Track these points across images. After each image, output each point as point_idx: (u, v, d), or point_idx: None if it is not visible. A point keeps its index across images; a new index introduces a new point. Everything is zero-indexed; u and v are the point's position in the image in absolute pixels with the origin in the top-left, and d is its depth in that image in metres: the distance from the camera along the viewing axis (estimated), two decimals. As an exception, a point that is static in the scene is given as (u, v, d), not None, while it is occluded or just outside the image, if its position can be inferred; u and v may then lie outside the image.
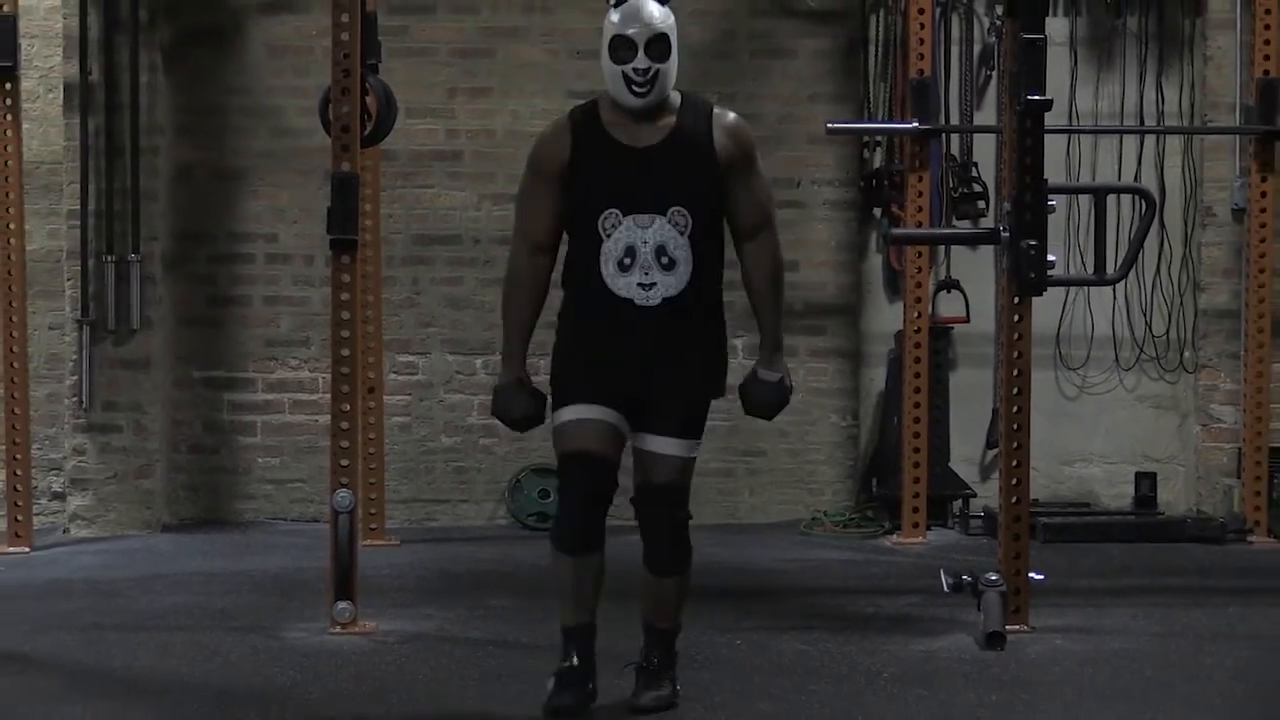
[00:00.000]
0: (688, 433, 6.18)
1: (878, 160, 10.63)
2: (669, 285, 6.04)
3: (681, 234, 6.04)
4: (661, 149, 6.10)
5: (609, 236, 6.04)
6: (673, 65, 6.10)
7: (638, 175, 6.07)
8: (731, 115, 6.24)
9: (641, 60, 6.03)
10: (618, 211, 6.05)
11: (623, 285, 6.05)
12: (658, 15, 6.10)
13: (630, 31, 6.05)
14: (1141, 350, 10.70)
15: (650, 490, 6.14)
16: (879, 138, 10.59)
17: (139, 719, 6.68)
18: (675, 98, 6.19)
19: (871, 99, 10.63)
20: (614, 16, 6.12)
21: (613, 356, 6.11)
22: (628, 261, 6.04)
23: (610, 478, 6.13)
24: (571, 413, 6.12)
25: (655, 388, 6.14)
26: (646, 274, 6.03)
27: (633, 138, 6.11)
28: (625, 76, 6.04)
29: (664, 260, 6.04)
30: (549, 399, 6.24)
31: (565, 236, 6.22)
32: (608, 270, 6.05)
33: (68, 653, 7.62)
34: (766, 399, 6.31)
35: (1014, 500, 7.82)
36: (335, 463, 7.83)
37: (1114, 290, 10.29)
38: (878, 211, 10.60)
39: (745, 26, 10.47)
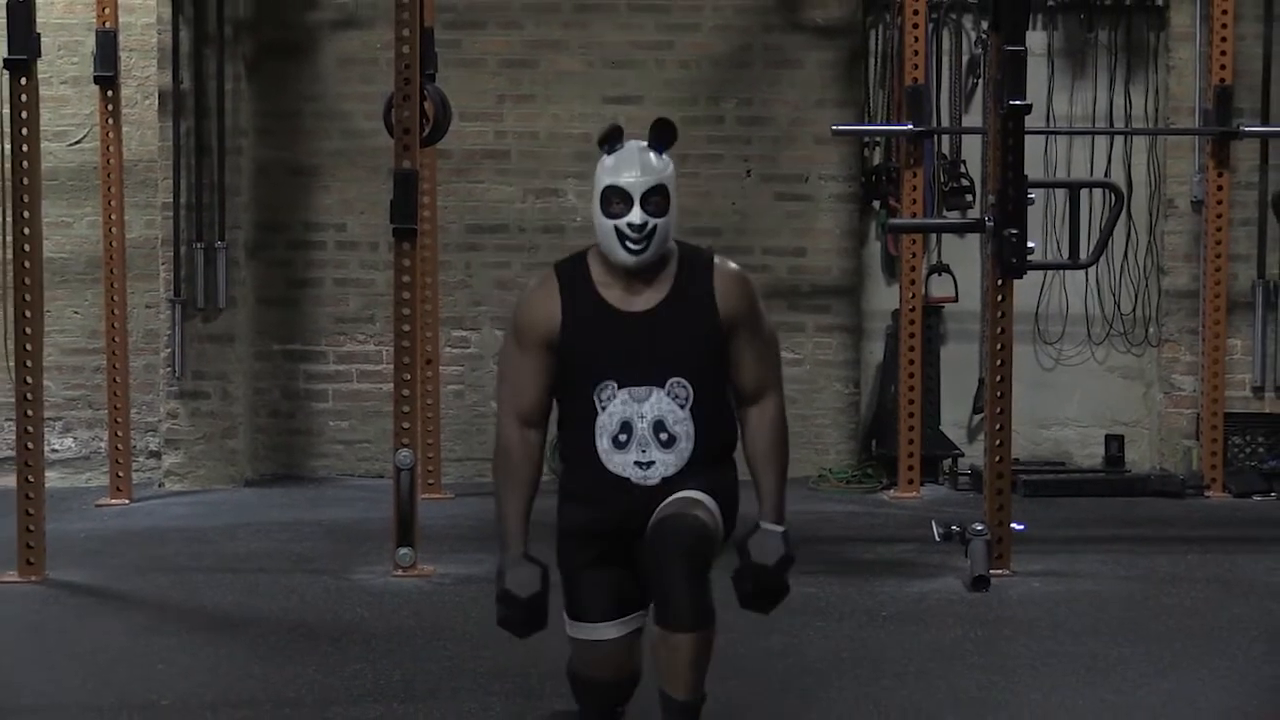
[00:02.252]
0: (707, 490, 4.94)
1: (877, 158, 10.61)
2: (669, 464, 4.89)
3: (682, 407, 4.89)
4: (659, 314, 4.92)
5: (604, 410, 4.90)
6: (672, 219, 4.92)
7: (634, 344, 4.90)
8: (733, 267, 5.02)
9: (637, 215, 4.86)
10: (613, 384, 4.89)
11: (619, 463, 4.89)
12: (656, 164, 4.93)
13: (625, 182, 4.89)
14: (1111, 327, 10.69)
15: (663, 526, 4.83)
16: (878, 138, 10.57)
17: (226, 649, 6.71)
18: (672, 251, 4.99)
19: (871, 104, 10.61)
20: (607, 162, 4.95)
21: (615, 546, 4.95)
22: (623, 438, 4.89)
23: (630, 689, 5.09)
24: (584, 631, 4.98)
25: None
26: (644, 452, 4.89)
27: (627, 300, 4.94)
28: (619, 232, 4.86)
29: (663, 437, 4.89)
30: (548, 580, 4.98)
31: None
32: (602, 446, 4.91)
33: (163, 592, 7.67)
34: (768, 556, 4.93)
35: (997, 459, 7.82)
36: (397, 425, 7.86)
37: (1086, 273, 10.27)
38: (877, 204, 10.59)
39: (760, 40, 10.45)
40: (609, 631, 4.98)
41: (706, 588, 4.76)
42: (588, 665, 5.03)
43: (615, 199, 4.89)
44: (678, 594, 4.72)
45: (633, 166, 4.93)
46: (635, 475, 4.91)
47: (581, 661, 5.04)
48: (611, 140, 4.95)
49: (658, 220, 4.88)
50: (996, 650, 6.67)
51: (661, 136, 4.95)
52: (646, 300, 4.94)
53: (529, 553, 4.93)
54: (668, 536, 4.80)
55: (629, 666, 5.04)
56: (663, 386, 4.90)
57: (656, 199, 4.89)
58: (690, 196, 10.29)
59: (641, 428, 4.89)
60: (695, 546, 4.79)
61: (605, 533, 4.96)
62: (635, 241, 4.87)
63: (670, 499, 4.89)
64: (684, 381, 4.91)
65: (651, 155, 4.95)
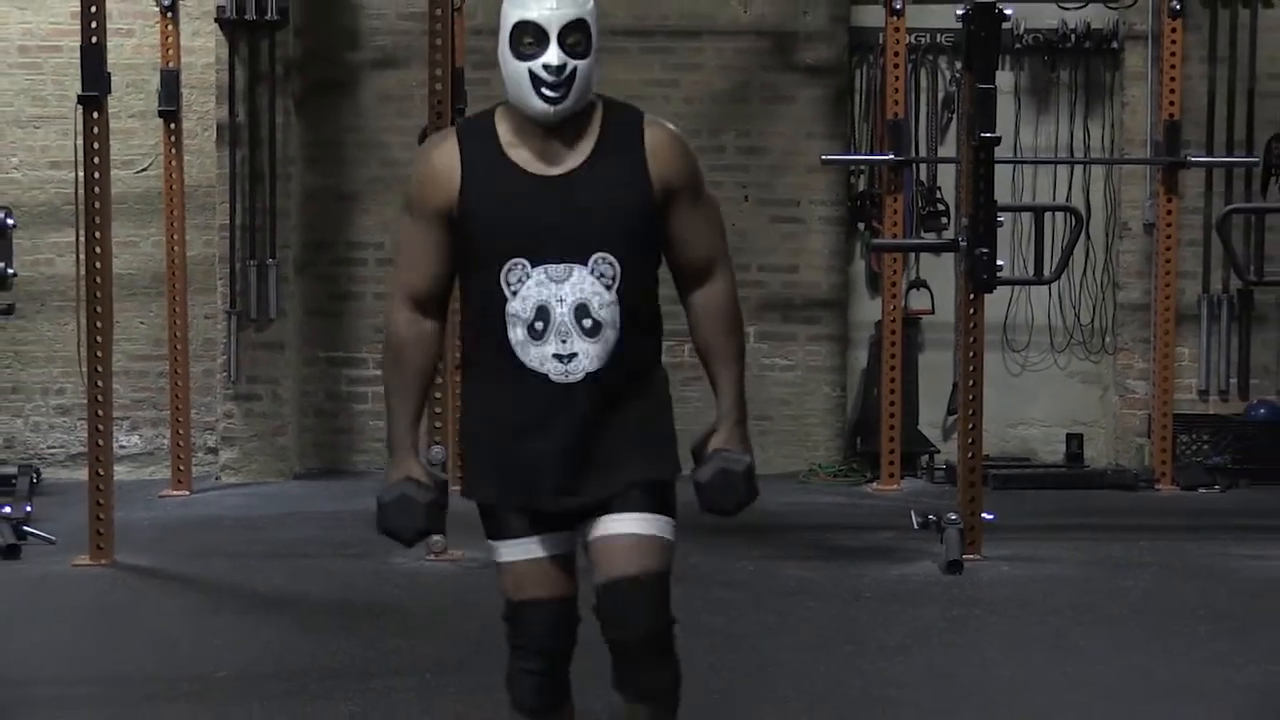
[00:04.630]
0: (651, 505, 3.78)
1: (862, 185, 10.60)
2: (593, 355, 3.73)
3: (608, 288, 3.72)
4: (579, 177, 3.75)
5: (515, 294, 3.72)
6: (594, 64, 3.79)
7: (549, 214, 3.72)
8: (668, 126, 3.90)
9: (554, 54, 3.69)
10: (525, 262, 3.71)
11: (535, 357, 3.73)
12: None
13: (539, 15, 3.71)
14: (1071, 336, 10.67)
15: (615, 589, 3.74)
16: (863, 167, 10.56)
17: (275, 626, 6.70)
18: (597, 107, 3.82)
19: (856, 136, 10.59)
20: None
21: (533, 455, 3.78)
22: (539, 326, 3.72)
23: (569, 623, 3.89)
24: (507, 551, 3.88)
25: (593, 480, 3.78)
26: (564, 342, 3.72)
27: (541, 162, 3.75)
28: (533, 76, 3.69)
29: (586, 323, 3.72)
30: (446, 490, 3.98)
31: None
32: (515, 336, 3.73)
33: (219, 574, 7.66)
34: (730, 493, 3.85)
35: (970, 455, 7.81)
36: (430, 424, 7.84)
37: (1050, 288, 10.25)
38: (861, 225, 10.57)
39: (757, 79, 10.43)
40: (536, 548, 3.86)
41: (670, 652, 3.82)
42: (518, 586, 3.87)
43: (527, 36, 3.71)
44: (638, 665, 3.79)
45: None
46: (555, 370, 3.73)
47: (510, 583, 3.89)
48: None
49: (579, 62, 3.72)
50: (969, 628, 6.66)
51: None
52: (564, 161, 3.75)
53: (413, 476, 3.88)
54: (625, 615, 3.73)
55: (566, 586, 3.88)
56: (585, 264, 3.72)
57: (577, 35, 3.73)
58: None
59: (560, 313, 3.71)
60: (656, 617, 3.76)
61: (520, 444, 3.79)
62: (552, 87, 3.70)
63: (616, 536, 3.75)
64: (610, 257, 3.73)
65: None
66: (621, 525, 3.78)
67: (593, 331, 3.74)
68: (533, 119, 3.75)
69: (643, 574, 3.75)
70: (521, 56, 3.72)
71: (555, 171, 3.76)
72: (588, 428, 3.78)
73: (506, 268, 3.74)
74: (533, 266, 3.72)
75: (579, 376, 3.75)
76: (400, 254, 3.91)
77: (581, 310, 3.73)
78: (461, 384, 3.97)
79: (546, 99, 3.70)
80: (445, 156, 3.80)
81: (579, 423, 3.77)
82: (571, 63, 3.72)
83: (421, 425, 3.87)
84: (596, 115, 3.81)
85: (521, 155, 3.77)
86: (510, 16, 3.75)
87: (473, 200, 3.76)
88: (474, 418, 3.93)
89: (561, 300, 3.73)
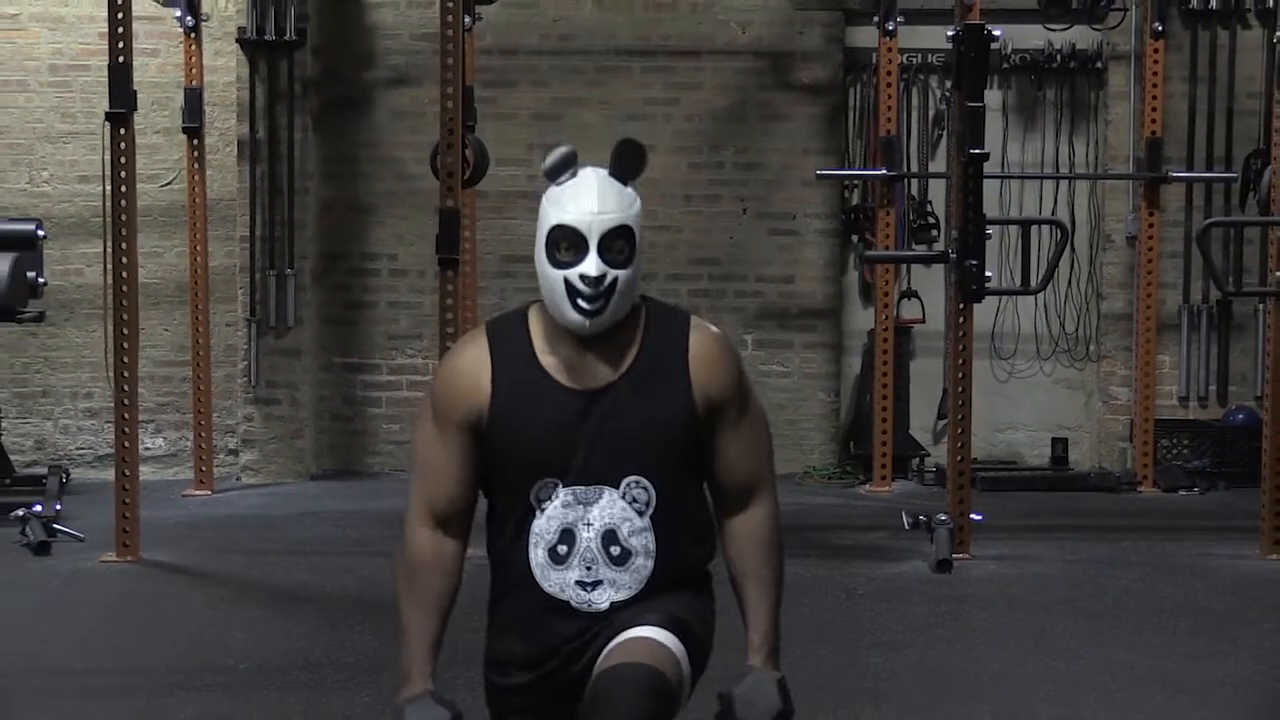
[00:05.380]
0: (670, 625, 3.27)
1: (855, 199, 10.61)
2: (620, 586, 3.25)
3: (640, 514, 3.25)
4: (616, 392, 3.26)
5: (541, 512, 3.26)
6: (637, 272, 3.26)
7: (580, 432, 3.24)
8: (713, 331, 3.34)
9: (593, 264, 3.20)
10: (556, 481, 3.25)
11: (555, 582, 3.25)
12: (619, 199, 3.26)
13: (578, 219, 3.22)
14: (1057, 344, 10.68)
15: (608, 681, 3.17)
16: (856, 181, 10.57)
17: (294, 618, 6.72)
18: (640, 313, 3.32)
19: (850, 152, 10.61)
20: (555, 194, 3.27)
21: (551, 702, 3.32)
22: (563, 550, 3.25)
23: None
24: None
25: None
26: (589, 569, 3.24)
27: (576, 374, 3.26)
28: (570, 286, 3.20)
29: (614, 550, 3.25)
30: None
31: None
32: (536, 559, 3.27)
33: (240, 570, 7.68)
34: (762, 698, 3.34)
35: (959, 458, 7.83)
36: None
37: (1036, 298, 10.26)
38: (855, 238, 10.59)
39: (755, 98, 10.45)
40: None
41: None
42: None
43: (564, 243, 3.23)
44: None
45: (589, 200, 3.25)
46: (576, 598, 3.26)
47: None
48: (562, 168, 3.30)
49: (619, 272, 3.22)
50: (959, 623, 6.67)
51: (627, 162, 3.31)
52: (600, 374, 3.27)
53: (436, 690, 3.28)
54: (614, 699, 3.15)
55: None
56: (616, 487, 3.26)
57: (619, 244, 3.23)
58: (693, 231, 10.31)
59: (586, 538, 3.25)
60: (648, 712, 3.16)
61: (538, 679, 3.32)
62: (590, 300, 3.21)
63: (619, 640, 3.25)
64: (644, 481, 3.26)
65: (614, 187, 3.28)
66: (633, 632, 3.26)
67: (620, 560, 3.26)
68: (567, 330, 3.27)
69: (642, 667, 3.18)
70: (558, 264, 3.23)
71: (590, 386, 3.27)
72: (593, 653, 3.27)
73: (536, 486, 3.27)
74: (562, 487, 3.26)
75: (603, 606, 3.26)
76: (419, 465, 3.38)
77: (609, 537, 3.26)
78: (488, 606, 3.45)
79: (583, 311, 3.22)
80: (474, 361, 3.31)
81: (585, 651, 3.28)
82: (612, 273, 3.22)
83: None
84: (639, 321, 3.32)
85: (555, 365, 3.29)
86: (548, 218, 3.26)
87: (503, 412, 3.27)
88: (495, 638, 3.41)
89: (589, 524, 3.26)
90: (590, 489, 3.26)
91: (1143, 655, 6.17)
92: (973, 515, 7.82)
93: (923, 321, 10.48)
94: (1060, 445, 10.42)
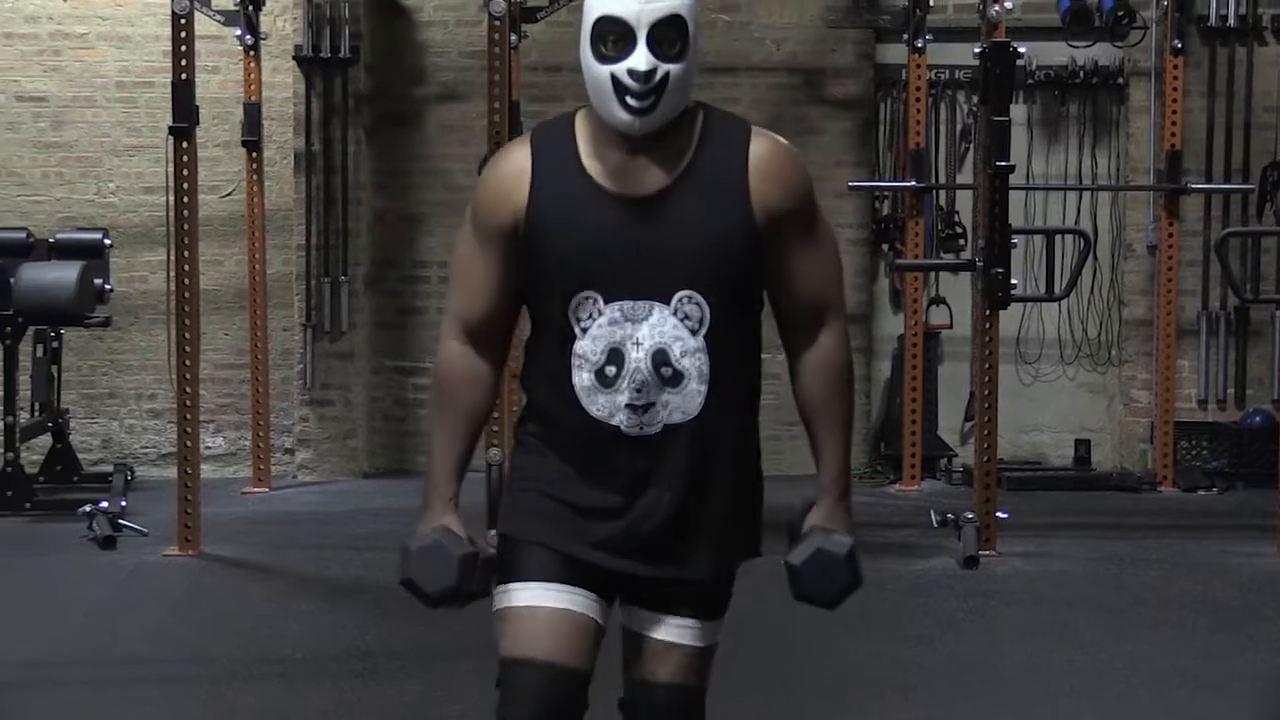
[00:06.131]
0: (708, 613, 3.08)
1: (886, 209, 10.58)
2: (674, 409, 2.92)
3: (694, 332, 2.91)
4: (668, 199, 2.91)
5: (584, 332, 2.92)
6: (693, 67, 2.92)
7: (628, 241, 2.90)
8: (780, 141, 3.03)
9: (643, 57, 2.84)
10: (597, 296, 2.90)
11: (604, 406, 2.92)
12: None
13: (623, 10, 2.84)
14: (1080, 349, 10.63)
15: (650, 696, 3.03)
16: (886, 193, 10.54)
17: (348, 610, 6.74)
18: (697, 117, 2.98)
19: (881, 164, 10.58)
20: None
21: (590, 510, 2.97)
22: (611, 371, 2.91)
23: (578, 701, 2.97)
24: (524, 594, 2.98)
25: (657, 554, 2.99)
26: (640, 392, 2.90)
27: (624, 179, 2.92)
28: (616, 82, 2.86)
29: (665, 372, 2.91)
30: (489, 559, 3.07)
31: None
32: (582, 381, 2.93)
33: (296, 564, 7.70)
34: (828, 582, 3.11)
35: (986, 459, 7.80)
36: (488, 428, 7.87)
37: (1060, 305, 10.21)
38: (885, 247, 10.56)
39: (789, 112, 10.43)
40: (560, 597, 2.96)
41: None
42: (524, 639, 2.97)
43: (611, 35, 2.85)
44: None
45: None
46: (628, 423, 2.91)
47: (516, 635, 2.98)
48: None
49: (671, 66, 2.85)
50: (985, 618, 6.65)
51: None
52: (651, 180, 2.91)
53: (449, 527, 3.06)
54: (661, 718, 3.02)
55: (583, 654, 2.96)
56: (667, 302, 2.90)
57: (671, 35, 2.85)
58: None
59: (636, 358, 2.90)
60: None
61: (577, 498, 2.98)
62: (639, 96, 2.84)
63: (664, 640, 3.00)
64: (697, 297, 2.91)
65: None
66: (672, 634, 3.02)
67: (673, 381, 2.91)
68: (616, 132, 2.92)
69: (681, 686, 3.02)
70: (604, 59, 2.87)
71: (639, 193, 2.91)
72: (660, 489, 2.95)
73: (576, 301, 2.91)
74: (606, 303, 2.90)
75: (656, 429, 2.93)
76: (456, 276, 3.08)
77: (660, 356, 2.90)
78: (517, 435, 3.13)
79: (631, 109, 2.86)
80: (514, 164, 2.99)
81: (650, 481, 2.95)
82: (663, 67, 2.85)
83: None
84: (695, 126, 2.97)
85: (603, 170, 2.93)
86: (593, 9, 2.88)
87: (540, 217, 2.93)
88: (528, 467, 3.04)
89: (638, 344, 2.90)
90: (639, 304, 2.90)
91: (1163, 650, 6.15)
92: (999, 514, 7.80)
93: (950, 327, 10.45)
94: (1083, 446, 10.37)
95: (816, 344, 3.05)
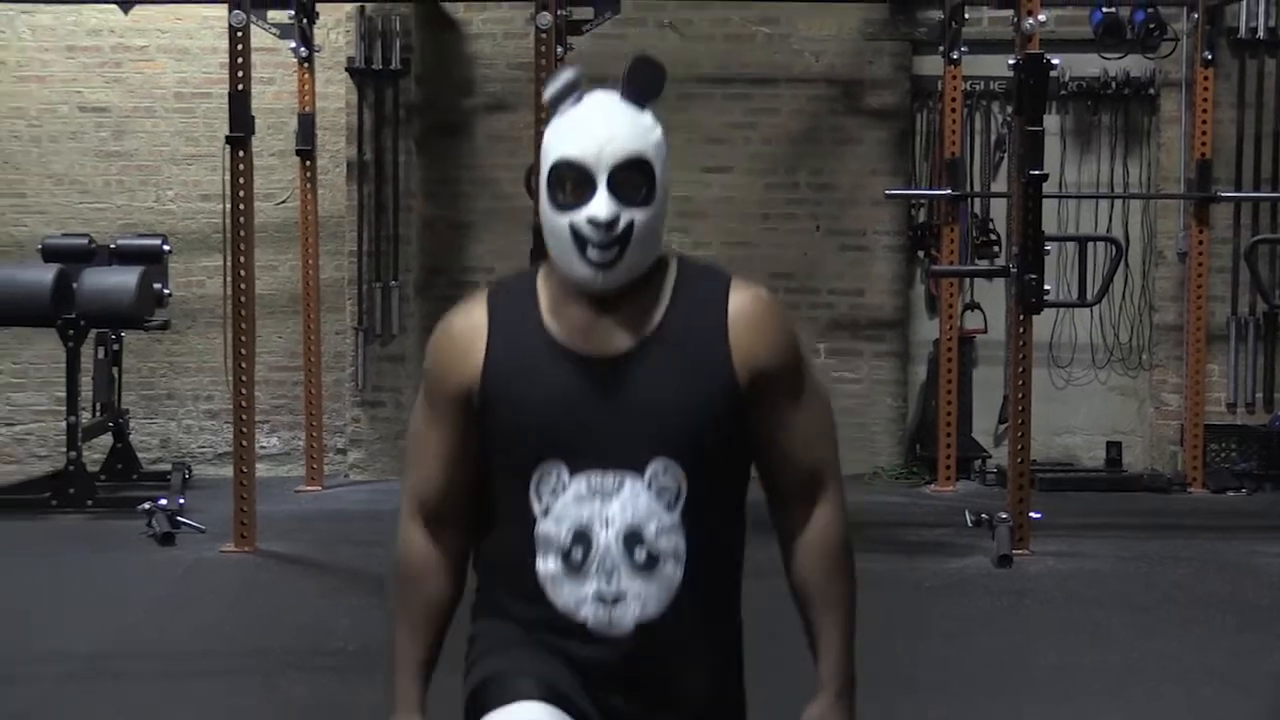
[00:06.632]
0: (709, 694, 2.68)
1: (922, 217, 10.56)
2: (648, 598, 2.51)
3: (669, 507, 2.50)
4: (638, 358, 2.51)
5: (547, 512, 2.51)
6: (659, 213, 2.51)
7: (594, 406, 2.50)
8: (761, 294, 2.57)
9: (603, 205, 2.46)
10: (561, 467, 2.51)
11: (569, 597, 2.51)
12: (629, 126, 2.50)
13: (580, 152, 2.47)
14: (1111, 354, 10.58)
15: None
16: (923, 201, 10.53)
17: (397, 608, 6.75)
18: (669, 268, 2.57)
19: (917, 173, 10.56)
20: (556, 125, 2.55)
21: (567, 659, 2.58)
22: (578, 556, 2.50)
23: None
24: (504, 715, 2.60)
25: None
26: (609, 580, 2.49)
27: (589, 339, 2.53)
28: (575, 233, 2.48)
29: (638, 555, 2.49)
30: None
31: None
32: (545, 569, 2.53)
33: (348, 560, 7.73)
34: None
35: (1019, 460, 7.78)
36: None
37: (1092, 310, 10.18)
38: (921, 253, 10.54)
39: (828, 122, 10.43)
40: (541, 713, 2.55)
41: None
42: None
43: (569, 180, 2.48)
44: None
45: (594, 128, 2.48)
46: (594, 616, 2.51)
47: None
48: (565, 94, 2.54)
49: (635, 213, 2.47)
50: (1019, 616, 6.63)
51: (641, 81, 2.54)
52: (619, 339, 2.52)
53: None
54: None
55: None
56: (640, 473, 2.50)
57: (634, 179, 2.47)
58: (770, 248, 10.30)
59: (606, 539, 2.49)
60: None
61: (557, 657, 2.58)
62: (601, 247, 2.46)
63: None
64: (673, 466, 2.50)
65: (627, 111, 2.51)
66: None
67: (647, 566, 2.49)
68: (577, 288, 2.53)
69: None
70: (561, 207, 2.48)
71: (607, 352, 2.51)
72: (629, 694, 2.56)
73: (538, 475, 2.51)
74: (571, 475, 2.50)
75: (626, 626, 2.51)
76: (410, 449, 2.69)
77: (633, 537, 2.49)
78: (471, 632, 2.75)
79: (593, 263, 2.47)
80: (468, 327, 2.57)
81: (621, 684, 2.55)
82: (626, 214, 2.46)
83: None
84: (667, 278, 2.55)
85: (563, 329, 2.53)
86: (549, 153, 2.51)
87: (496, 381, 2.54)
88: (486, 658, 2.70)
89: (608, 523, 2.48)
90: (608, 477, 2.49)
91: (1192, 648, 6.11)
92: (1032, 514, 7.77)
93: (985, 332, 10.42)
94: (1114, 448, 10.33)
95: (812, 522, 2.65)
